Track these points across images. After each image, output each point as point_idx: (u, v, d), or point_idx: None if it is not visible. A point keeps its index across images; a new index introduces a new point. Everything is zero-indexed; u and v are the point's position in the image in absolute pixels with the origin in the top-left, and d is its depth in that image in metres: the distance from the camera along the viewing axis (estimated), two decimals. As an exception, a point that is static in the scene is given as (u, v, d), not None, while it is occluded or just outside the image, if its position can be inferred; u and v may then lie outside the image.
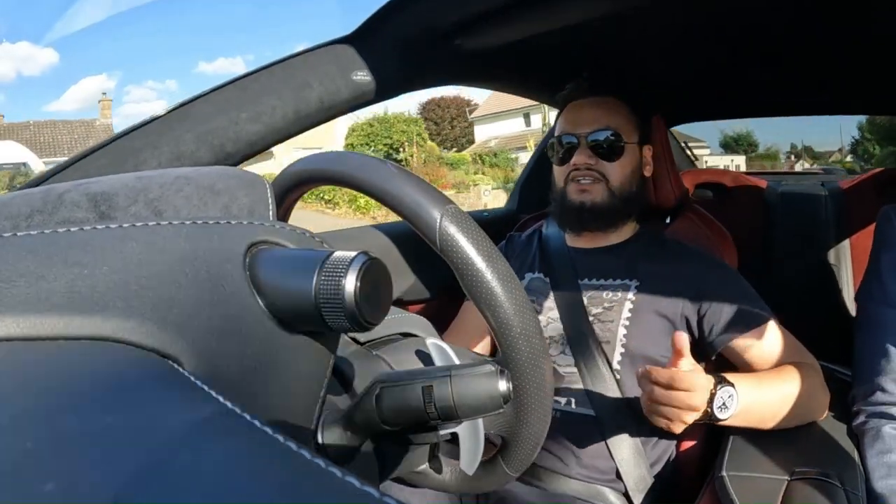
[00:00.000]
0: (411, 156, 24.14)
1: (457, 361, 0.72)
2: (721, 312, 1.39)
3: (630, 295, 1.46)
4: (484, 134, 32.97)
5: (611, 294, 1.48)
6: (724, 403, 1.15)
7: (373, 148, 25.80)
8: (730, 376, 1.20)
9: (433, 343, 0.74)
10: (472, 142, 33.49)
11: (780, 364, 1.34)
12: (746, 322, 1.37)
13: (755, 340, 1.36)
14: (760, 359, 1.36)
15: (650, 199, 1.68)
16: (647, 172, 1.62)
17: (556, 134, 1.60)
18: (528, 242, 1.69)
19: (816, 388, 1.29)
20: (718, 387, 1.15)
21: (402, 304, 1.84)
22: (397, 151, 25.32)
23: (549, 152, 1.64)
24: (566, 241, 1.61)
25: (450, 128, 35.44)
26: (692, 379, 1.11)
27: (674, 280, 1.45)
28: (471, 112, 34.93)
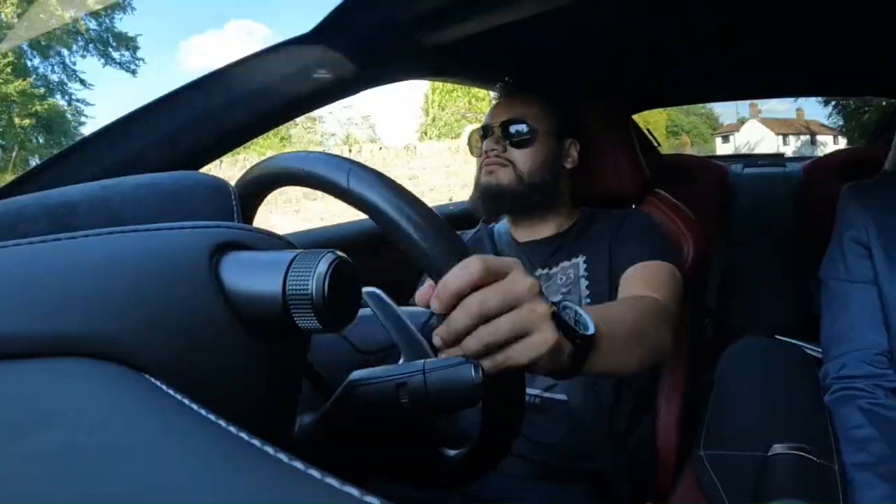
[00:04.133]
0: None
1: (393, 307, 0.72)
2: (624, 249, 1.45)
3: (581, 271, 1.50)
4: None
5: (564, 277, 1.51)
6: (576, 319, 0.85)
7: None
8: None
9: (367, 292, 0.74)
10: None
11: (640, 292, 1.32)
12: (639, 256, 1.41)
13: (635, 272, 1.39)
14: (631, 289, 1.36)
15: (607, 190, 1.70)
16: (569, 164, 1.64)
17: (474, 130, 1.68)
18: (480, 241, 1.70)
19: (659, 321, 1.19)
20: (558, 306, 0.84)
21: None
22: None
23: (469, 146, 1.71)
24: (513, 236, 1.64)
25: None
26: (460, 267, 0.68)
27: (605, 238, 1.51)
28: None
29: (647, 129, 2.80)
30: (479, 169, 1.60)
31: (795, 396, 1.31)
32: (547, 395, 1.42)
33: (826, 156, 2.82)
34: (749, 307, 2.45)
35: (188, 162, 1.22)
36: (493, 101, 1.70)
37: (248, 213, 0.86)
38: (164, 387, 0.35)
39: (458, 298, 0.67)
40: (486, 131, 1.61)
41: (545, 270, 1.55)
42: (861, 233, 1.29)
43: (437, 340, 0.69)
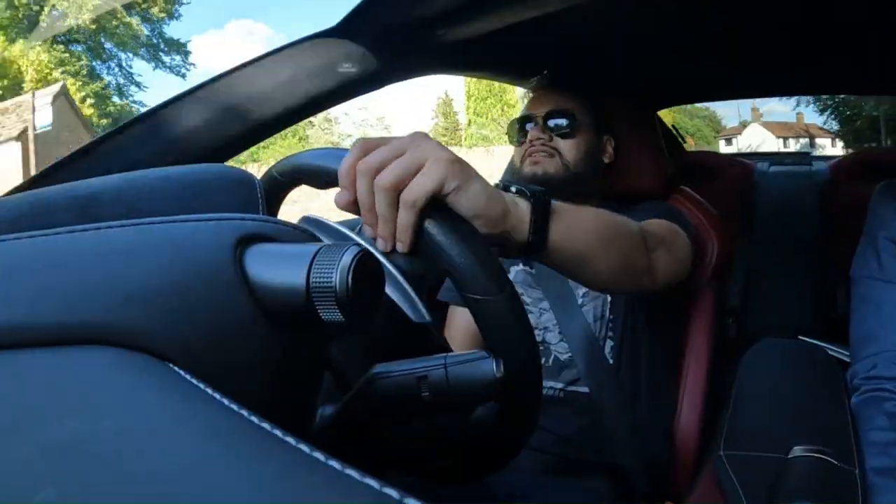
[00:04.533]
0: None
1: (330, 223, 0.72)
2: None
3: None
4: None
5: None
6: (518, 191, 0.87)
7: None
8: None
9: (304, 218, 0.74)
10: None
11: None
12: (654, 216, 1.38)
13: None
14: None
15: (632, 187, 1.70)
16: (606, 159, 1.66)
17: (516, 119, 1.67)
18: None
19: (635, 238, 1.13)
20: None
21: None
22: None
23: (508, 136, 1.71)
24: None
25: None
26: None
27: None
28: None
29: (674, 126, 2.78)
30: (521, 158, 1.60)
31: (817, 398, 1.30)
32: (570, 388, 1.43)
33: (852, 154, 2.79)
34: (772, 307, 2.43)
35: (213, 155, 1.23)
36: (528, 93, 1.71)
37: (273, 208, 0.86)
38: (186, 376, 0.35)
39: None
40: (528, 121, 1.61)
41: None
42: (894, 231, 1.27)
43: (365, 230, 0.73)
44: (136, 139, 1.19)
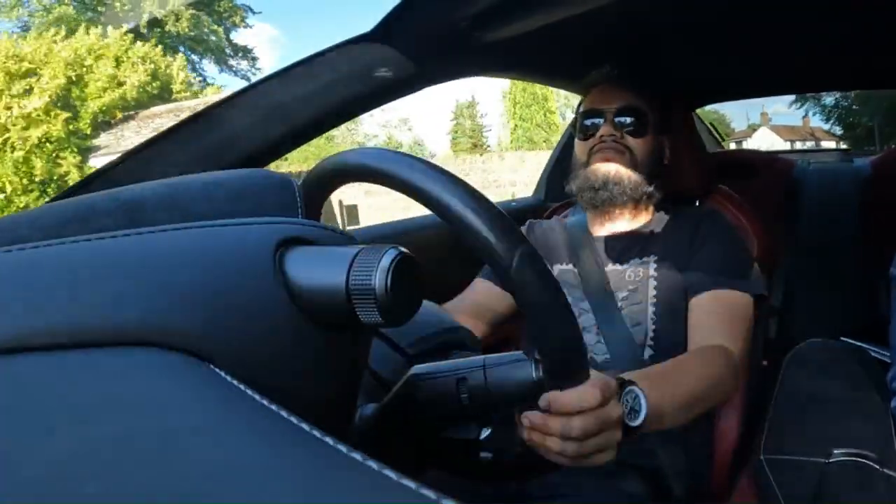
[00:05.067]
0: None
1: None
2: (701, 263, 1.43)
3: (651, 271, 1.48)
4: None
5: (633, 276, 1.50)
6: (632, 407, 0.95)
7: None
8: (632, 375, 1.04)
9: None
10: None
11: (712, 336, 1.32)
12: (715, 280, 1.39)
13: (711, 304, 1.38)
14: (701, 326, 1.37)
15: (673, 186, 1.67)
16: (665, 161, 1.62)
17: (580, 111, 1.62)
18: (552, 231, 1.69)
19: (725, 376, 1.24)
20: (621, 389, 0.95)
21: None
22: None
23: (573, 131, 1.67)
24: (588, 229, 1.61)
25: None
26: (578, 395, 0.78)
27: (681, 242, 1.49)
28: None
29: (712, 124, 2.75)
30: (588, 154, 1.56)
31: (859, 401, 1.28)
32: None
33: (894, 150, 2.73)
34: (814, 308, 2.39)
35: (253, 160, 1.25)
36: (591, 88, 1.65)
37: (313, 210, 0.87)
38: (227, 377, 0.36)
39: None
40: (596, 115, 1.56)
41: (616, 266, 1.53)
42: None
43: (531, 436, 0.81)
44: (177, 145, 1.21)
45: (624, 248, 1.55)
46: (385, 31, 1.32)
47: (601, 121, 1.54)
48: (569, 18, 1.35)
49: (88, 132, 15.14)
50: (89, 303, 0.38)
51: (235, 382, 0.35)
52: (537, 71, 2.05)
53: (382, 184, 0.70)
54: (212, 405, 0.32)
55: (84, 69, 15.41)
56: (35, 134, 14.14)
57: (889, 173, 2.44)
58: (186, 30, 26.26)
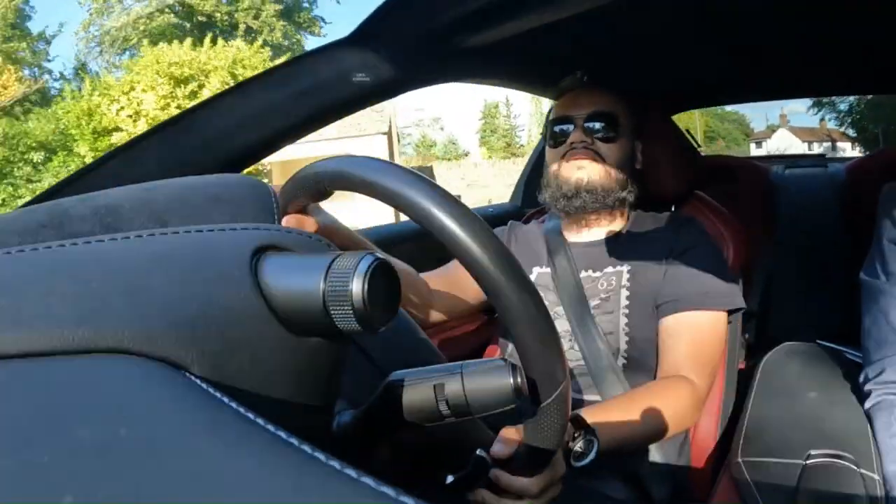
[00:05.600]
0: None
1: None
2: (676, 278, 1.43)
3: (624, 281, 1.48)
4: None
5: (606, 284, 1.50)
6: (583, 452, 1.03)
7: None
8: (589, 413, 1.11)
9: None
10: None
11: (678, 365, 1.33)
12: (689, 300, 1.39)
13: (682, 327, 1.38)
14: (670, 351, 1.37)
15: (649, 192, 1.68)
16: (638, 166, 1.62)
17: (551, 119, 1.62)
18: (532, 235, 1.69)
19: (687, 408, 1.27)
20: (577, 437, 1.04)
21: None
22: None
23: (543, 137, 1.67)
24: (563, 235, 1.62)
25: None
26: (530, 484, 0.89)
27: (656, 251, 1.48)
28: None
29: (687, 130, 2.77)
30: (558, 161, 1.56)
31: (836, 402, 1.30)
32: (587, 397, 1.41)
33: (869, 156, 2.78)
34: (791, 311, 2.42)
35: (230, 165, 1.24)
36: (563, 94, 1.65)
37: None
38: (204, 385, 0.35)
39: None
40: (565, 122, 1.56)
41: (589, 273, 1.53)
42: None
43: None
44: (154, 149, 1.20)
45: (598, 254, 1.55)
46: (363, 35, 1.32)
47: (571, 127, 1.54)
48: (545, 25, 1.35)
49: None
50: (64, 310, 0.38)
51: (212, 390, 0.34)
52: (515, 77, 2.05)
53: (366, 194, 0.70)
54: (189, 414, 0.32)
55: (237, 76, 17.19)
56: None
57: (864, 178, 2.47)
58: (280, 39, 29.17)
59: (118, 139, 15.69)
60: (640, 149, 1.63)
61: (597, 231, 1.58)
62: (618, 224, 1.59)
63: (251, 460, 0.28)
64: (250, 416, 0.31)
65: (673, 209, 1.74)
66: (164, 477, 0.26)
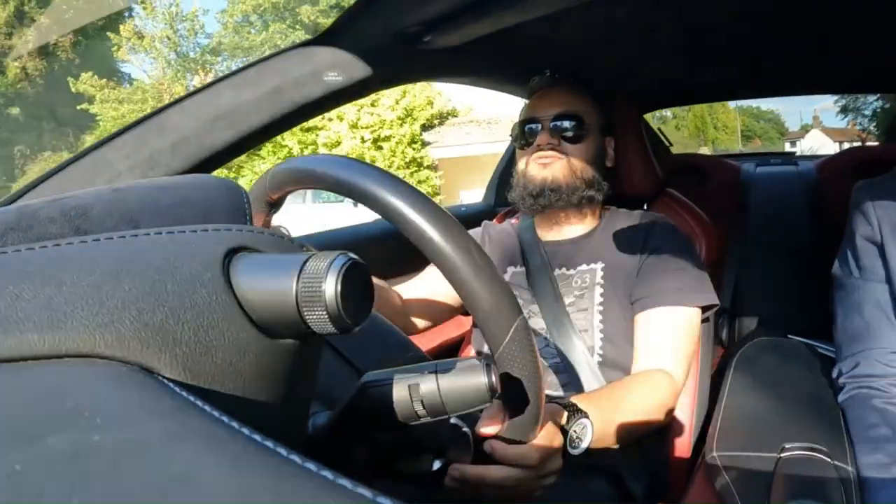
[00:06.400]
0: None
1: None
2: (649, 276, 1.44)
3: (598, 278, 1.49)
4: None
5: (580, 282, 1.51)
6: (578, 436, 1.01)
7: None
8: (582, 400, 1.10)
9: None
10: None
11: (655, 360, 1.35)
12: (663, 297, 1.41)
13: (657, 323, 1.39)
14: (647, 345, 1.39)
15: (621, 190, 1.69)
16: (609, 163, 1.64)
17: (520, 119, 1.64)
18: (506, 234, 1.70)
19: (667, 399, 1.30)
20: (571, 419, 1.01)
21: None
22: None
23: (511, 138, 1.69)
24: (537, 233, 1.63)
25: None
26: (529, 451, 0.87)
27: (629, 248, 1.50)
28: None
29: (659, 129, 2.79)
30: (527, 162, 1.57)
31: (808, 396, 1.31)
32: (558, 393, 1.42)
33: (839, 154, 2.81)
34: (763, 307, 2.44)
35: (200, 166, 1.23)
36: (532, 94, 1.68)
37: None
38: (176, 388, 0.35)
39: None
40: (533, 122, 1.58)
41: (563, 271, 1.54)
42: (873, 231, 1.28)
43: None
44: (124, 150, 1.18)
45: (571, 252, 1.56)
46: (335, 35, 1.31)
47: (539, 127, 1.56)
48: (517, 25, 1.35)
49: (420, 134, 19.53)
50: (34, 314, 0.37)
51: (185, 394, 0.34)
52: (487, 77, 2.05)
53: (337, 192, 0.70)
54: (161, 417, 0.32)
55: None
56: (396, 133, 18.71)
57: (833, 175, 2.51)
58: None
59: (324, 139, 18.39)
60: (613, 146, 1.65)
61: (569, 229, 1.60)
62: (590, 222, 1.60)
63: (226, 464, 0.27)
64: (224, 419, 0.31)
65: (645, 207, 1.76)
66: (138, 482, 0.26)
